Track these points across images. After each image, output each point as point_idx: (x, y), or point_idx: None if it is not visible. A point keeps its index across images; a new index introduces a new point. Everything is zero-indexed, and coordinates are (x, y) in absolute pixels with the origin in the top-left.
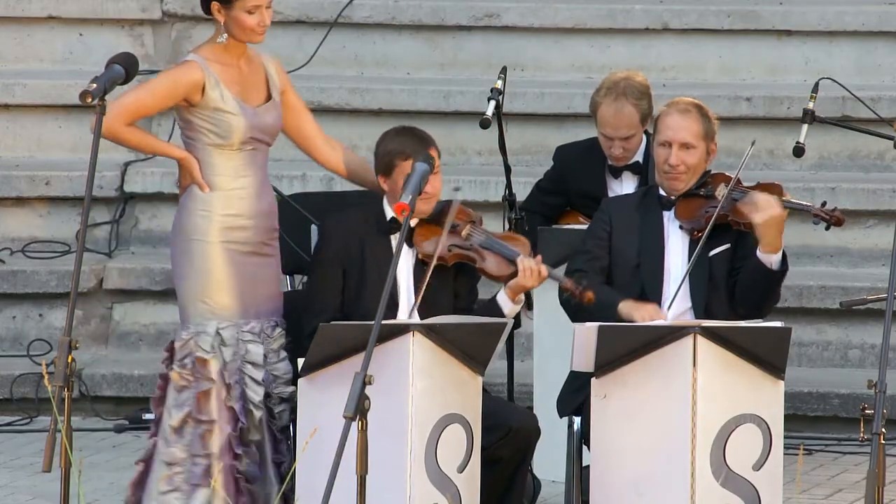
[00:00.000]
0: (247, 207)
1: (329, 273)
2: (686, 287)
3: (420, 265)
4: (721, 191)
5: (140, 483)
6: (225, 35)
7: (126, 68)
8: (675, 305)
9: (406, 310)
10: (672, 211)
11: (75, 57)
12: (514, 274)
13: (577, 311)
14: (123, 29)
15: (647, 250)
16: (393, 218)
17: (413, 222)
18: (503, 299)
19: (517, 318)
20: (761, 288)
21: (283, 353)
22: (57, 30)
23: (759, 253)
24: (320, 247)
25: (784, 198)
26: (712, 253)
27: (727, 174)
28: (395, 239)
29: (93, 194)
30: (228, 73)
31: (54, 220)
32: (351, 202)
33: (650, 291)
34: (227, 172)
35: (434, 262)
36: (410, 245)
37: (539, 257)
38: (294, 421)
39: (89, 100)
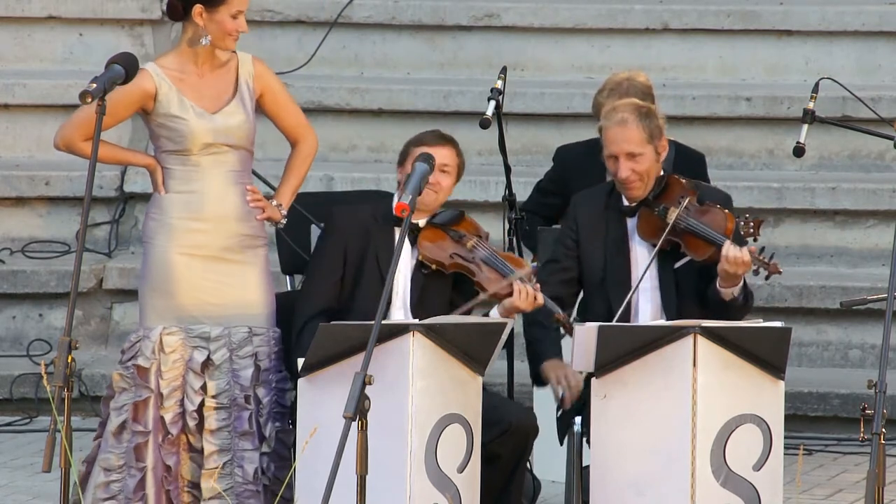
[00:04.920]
0: (204, 211)
1: (328, 263)
2: (658, 299)
3: (419, 267)
4: (672, 215)
5: (84, 483)
6: (208, 38)
7: (126, 68)
8: (650, 318)
9: (401, 308)
10: (635, 220)
11: (75, 57)
12: (510, 294)
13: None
14: (123, 29)
15: (613, 265)
16: None
17: (422, 222)
18: (496, 317)
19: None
20: (725, 314)
21: (248, 361)
22: (57, 30)
23: (718, 287)
24: (324, 236)
25: (730, 223)
26: (677, 265)
27: (683, 183)
28: (399, 232)
29: (93, 194)
30: (186, 81)
31: (54, 220)
32: (351, 202)
33: (616, 305)
34: (182, 176)
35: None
36: (413, 244)
37: (538, 284)
38: (293, 422)
39: (89, 100)
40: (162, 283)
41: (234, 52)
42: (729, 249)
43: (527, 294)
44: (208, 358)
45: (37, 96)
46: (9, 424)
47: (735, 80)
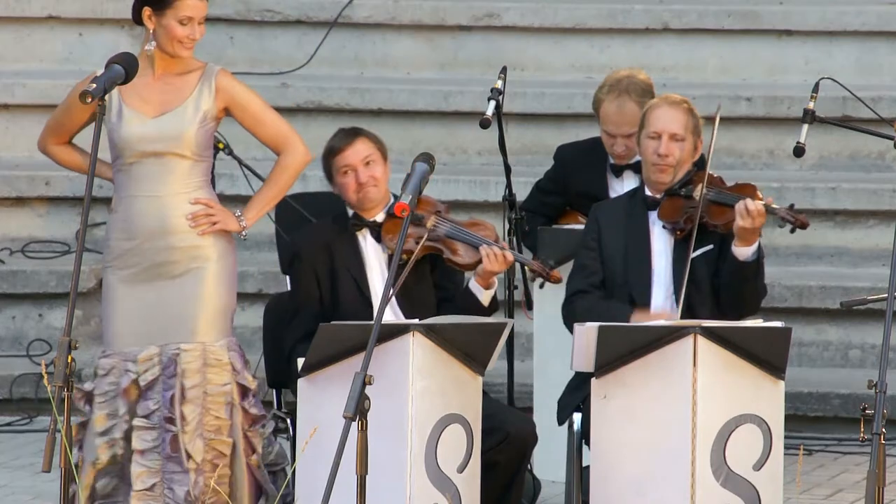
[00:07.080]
0: (131, 228)
1: (303, 291)
2: (671, 288)
3: (391, 261)
4: (699, 191)
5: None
6: (153, 44)
7: (126, 68)
8: (660, 305)
9: (388, 307)
10: (657, 212)
11: (75, 57)
12: (481, 261)
13: (571, 316)
14: (123, 29)
15: (634, 255)
16: (354, 214)
17: (380, 217)
18: (475, 287)
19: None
20: (738, 281)
21: (173, 381)
22: (57, 30)
23: (734, 247)
24: (294, 267)
25: (757, 199)
26: (695, 254)
27: (708, 173)
28: (361, 235)
29: (93, 194)
30: (134, 86)
31: (54, 220)
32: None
33: (637, 296)
34: (119, 191)
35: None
36: (378, 241)
37: (504, 242)
38: (293, 422)
39: (89, 100)
40: (105, 306)
41: (206, 63)
42: (744, 202)
43: (496, 255)
44: (136, 380)
45: (37, 96)
46: (9, 424)
47: (735, 80)
